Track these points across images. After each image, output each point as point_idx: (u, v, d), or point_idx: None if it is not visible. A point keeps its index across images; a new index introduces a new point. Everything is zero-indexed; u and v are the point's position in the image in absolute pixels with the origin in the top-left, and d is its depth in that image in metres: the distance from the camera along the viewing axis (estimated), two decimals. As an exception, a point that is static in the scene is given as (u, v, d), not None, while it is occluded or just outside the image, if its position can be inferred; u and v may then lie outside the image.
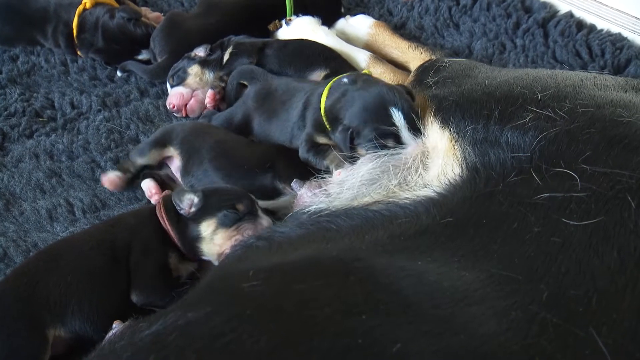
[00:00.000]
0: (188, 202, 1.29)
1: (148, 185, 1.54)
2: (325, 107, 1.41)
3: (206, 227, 1.28)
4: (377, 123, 1.30)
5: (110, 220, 1.37)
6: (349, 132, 1.33)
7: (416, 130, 1.29)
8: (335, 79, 1.48)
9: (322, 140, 1.45)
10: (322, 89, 1.46)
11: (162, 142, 1.58)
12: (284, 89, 1.64)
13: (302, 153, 1.45)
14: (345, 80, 1.43)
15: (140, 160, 1.59)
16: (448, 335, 0.69)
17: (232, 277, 0.89)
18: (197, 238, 1.28)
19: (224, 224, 1.27)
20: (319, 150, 1.43)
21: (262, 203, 1.41)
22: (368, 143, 1.32)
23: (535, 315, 0.71)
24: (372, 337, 0.68)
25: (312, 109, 1.47)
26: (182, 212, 1.29)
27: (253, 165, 1.48)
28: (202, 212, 1.29)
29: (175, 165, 1.58)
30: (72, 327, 1.16)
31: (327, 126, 1.41)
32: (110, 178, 1.58)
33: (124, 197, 1.60)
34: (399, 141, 1.29)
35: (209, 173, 1.49)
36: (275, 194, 1.46)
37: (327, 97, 1.42)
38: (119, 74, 2.08)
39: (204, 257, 1.31)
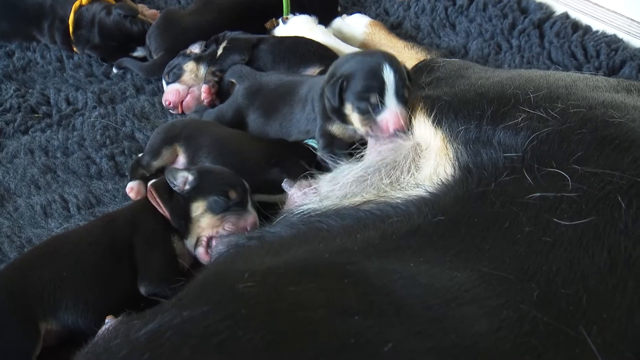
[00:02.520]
0: (182, 179, 1.31)
1: None
2: (327, 76, 1.43)
3: (196, 208, 1.30)
4: (366, 76, 1.33)
5: (108, 216, 1.37)
6: (339, 81, 1.35)
7: (402, 97, 1.31)
8: None
9: (335, 129, 1.46)
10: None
11: (170, 141, 1.57)
12: (277, 83, 1.65)
13: (320, 150, 1.46)
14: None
15: (156, 163, 1.56)
16: (440, 335, 0.70)
17: (227, 277, 0.89)
18: (187, 217, 1.30)
19: (212, 209, 1.29)
20: (334, 153, 1.43)
21: (268, 197, 1.42)
22: (353, 95, 1.33)
23: (526, 315, 0.72)
24: (364, 337, 0.68)
25: (318, 97, 1.49)
26: (176, 188, 1.31)
27: (259, 160, 1.49)
28: (196, 192, 1.31)
29: (180, 162, 1.58)
30: (65, 322, 1.16)
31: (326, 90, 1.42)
32: (137, 189, 1.53)
33: (119, 194, 1.60)
34: (382, 100, 1.30)
35: None
36: (282, 188, 1.46)
37: (330, 66, 1.45)
38: (114, 70, 2.08)
39: (185, 242, 1.32)
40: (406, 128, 1.28)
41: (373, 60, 1.36)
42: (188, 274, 1.27)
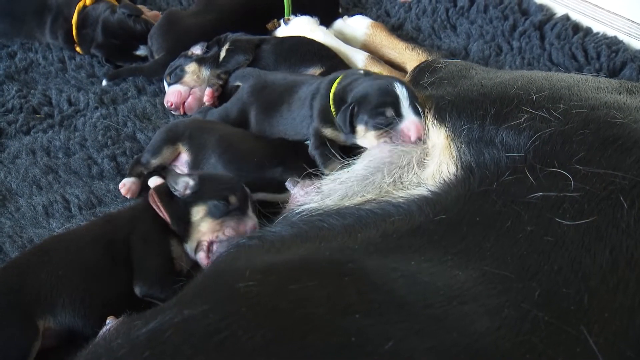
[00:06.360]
0: (183, 184, 1.32)
1: (155, 182, 1.53)
2: (335, 91, 1.45)
3: (196, 213, 1.31)
4: (379, 94, 1.35)
5: (107, 216, 1.38)
6: (350, 107, 1.36)
7: (417, 109, 1.31)
8: (351, 70, 1.54)
9: (329, 133, 1.47)
10: (333, 77, 1.51)
11: (172, 140, 1.59)
12: (282, 82, 1.66)
13: (311, 149, 1.47)
14: (361, 71, 1.50)
15: (155, 161, 1.58)
16: (441, 333, 0.70)
17: (227, 276, 0.89)
18: (187, 221, 1.31)
19: (212, 214, 1.29)
20: (325, 153, 1.44)
21: (270, 196, 1.43)
22: (367, 114, 1.34)
23: (527, 313, 0.72)
24: (365, 335, 0.68)
25: (319, 97, 1.50)
26: (176, 193, 1.32)
27: (262, 158, 1.49)
28: (196, 197, 1.31)
29: (183, 160, 1.59)
30: (62, 320, 1.16)
31: (333, 111, 1.43)
32: (129, 187, 1.55)
33: (120, 194, 1.59)
34: (399, 112, 1.32)
35: (219, 167, 1.50)
36: (284, 187, 1.46)
37: (339, 83, 1.46)
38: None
39: (185, 246, 1.32)
40: (424, 137, 1.29)
41: (383, 81, 1.39)
42: (187, 276, 1.27)
